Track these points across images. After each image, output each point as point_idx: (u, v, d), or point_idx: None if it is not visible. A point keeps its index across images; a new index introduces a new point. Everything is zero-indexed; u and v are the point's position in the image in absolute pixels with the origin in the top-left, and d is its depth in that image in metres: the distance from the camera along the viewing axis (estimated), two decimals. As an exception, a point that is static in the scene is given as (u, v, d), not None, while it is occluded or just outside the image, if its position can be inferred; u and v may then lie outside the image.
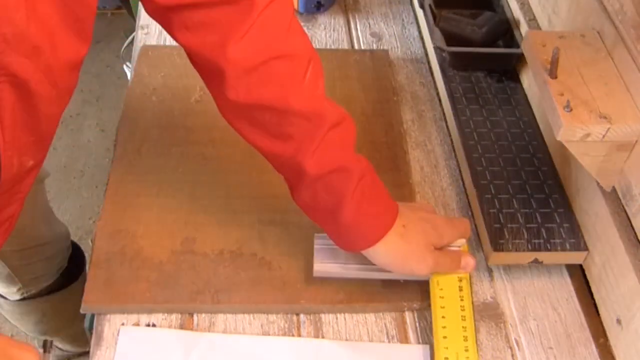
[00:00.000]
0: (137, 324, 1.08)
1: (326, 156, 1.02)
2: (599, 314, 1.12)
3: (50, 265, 1.74)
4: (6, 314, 1.85)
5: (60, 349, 2.17)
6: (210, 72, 1.03)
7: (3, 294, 1.75)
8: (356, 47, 1.59)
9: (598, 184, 1.11)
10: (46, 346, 0.96)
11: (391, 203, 1.07)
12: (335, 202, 1.03)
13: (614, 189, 1.08)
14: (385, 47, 1.58)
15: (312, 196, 1.05)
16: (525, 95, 1.39)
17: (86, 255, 2.04)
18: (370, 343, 1.08)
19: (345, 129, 1.05)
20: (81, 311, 1.09)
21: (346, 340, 1.08)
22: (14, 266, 1.61)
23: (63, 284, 1.80)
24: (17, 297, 1.74)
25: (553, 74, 1.05)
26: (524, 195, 1.21)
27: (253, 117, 1.03)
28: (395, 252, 1.06)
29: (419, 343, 1.08)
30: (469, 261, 1.10)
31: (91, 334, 1.08)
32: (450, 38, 1.42)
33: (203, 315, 1.10)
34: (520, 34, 1.41)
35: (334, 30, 1.62)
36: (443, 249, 1.10)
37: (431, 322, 1.09)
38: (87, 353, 1.64)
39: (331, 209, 1.04)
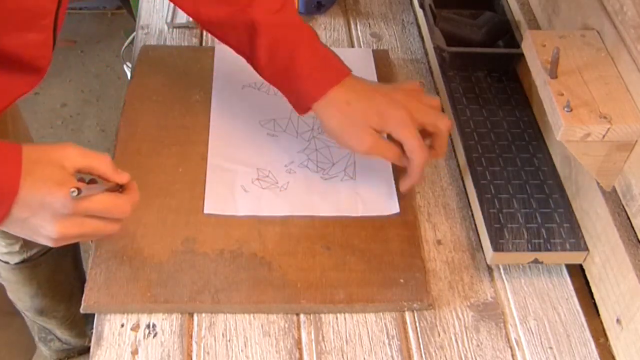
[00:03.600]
0: (138, 325, 1.08)
1: (273, 5, 1.19)
2: (599, 314, 1.12)
3: None
4: (4, 283, 1.85)
5: (59, 339, 2.18)
6: None
7: (4, 259, 1.77)
8: (356, 47, 1.59)
9: (598, 184, 1.11)
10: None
11: (342, 67, 1.20)
12: (289, 54, 1.18)
13: (614, 189, 1.09)
14: (385, 47, 1.58)
15: (269, 54, 1.19)
16: (526, 96, 1.39)
17: (86, 255, 2.04)
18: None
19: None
20: (81, 311, 1.09)
21: (346, 342, 1.08)
22: None
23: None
24: (17, 259, 1.76)
25: (553, 74, 1.05)
26: (524, 195, 1.22)
27: None
28: (337, 119, 1.17)
29: (419, 346, 1.08)
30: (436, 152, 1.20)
31: (91, 332, 1.09)
32: (450, 38, 1.42)
33: (203, 314, 1.10)
34: (520, 34, 1.41)
35: (334, 31, 1.62)
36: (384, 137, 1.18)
37: (432, 322, 1.09)
38: (88, 349, 1.64)
39: (286, 64, 1.18)
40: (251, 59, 1.23)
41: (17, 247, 1.72)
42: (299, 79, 1.18)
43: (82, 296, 1.09)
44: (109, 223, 1.03)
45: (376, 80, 1.46)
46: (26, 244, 1.72)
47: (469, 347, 1.08)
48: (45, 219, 0.96)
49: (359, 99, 1.17)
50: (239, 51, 1.25)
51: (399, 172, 1.28)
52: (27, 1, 1.02)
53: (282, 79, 1.21)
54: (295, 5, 1.25)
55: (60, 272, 1.90)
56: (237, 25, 1.20)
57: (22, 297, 1.89)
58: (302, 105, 1.20)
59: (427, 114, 1.19)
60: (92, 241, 1.16)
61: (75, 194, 0.94)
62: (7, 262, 1.78)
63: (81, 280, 2.02)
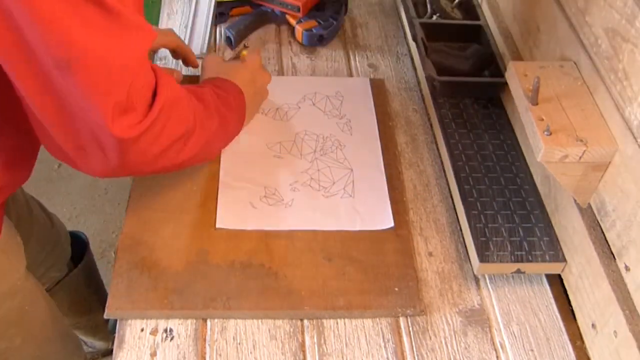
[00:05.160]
0: (156, 330, 1.08)
1: None
2: (575, 320, 1.12)
3: (57, 252, 1.74)
4: None
5: (85, 343, 2.17)
6: None
7: None
8: (355, 76, 1.59)
9: (575, 201, 1.11)
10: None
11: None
12: None
13: (589, 206, 1.09)
14: (381, 77, 1.59)
15: None
16: (509, 121, 1.39)
17: (109, 265, 2.04)
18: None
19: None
20: (104, 316, 1.09)
21: (345, 344, 1.08)
22: (27, 261, 1.62)
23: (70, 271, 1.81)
24: None
25: (534, 101, 1.05)
26: (508, 212, 1.22)
27: None
28: None
29: (412, 349, 1.08)
30: None
31: (114, 335, 1.09)
32: (441, 68, 1.42)
33: (216, 320, 1.10)
34: (504, 65, 1.42)
35: (334, 61, 1.62)
36: None
37: (424, 327, 1.10)
38: (111, 352, 1.63)
39: None
40: None
41: None
42: None
43: (101, 306, 1.09)
44: None
45: (373, 107, 1.47)
46: (42, 277, 1.71)
47: (458, 350, 1.08)
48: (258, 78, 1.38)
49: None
50: None
51: (393, 191, 1.28)
52: None
53: None
54: None
55: (77, 293, 1.87)
56: None
57: None
58: None
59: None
60: (114, 252, 1.17)
61: None
62: None
63: (98, 292, 2.00)
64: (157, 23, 1.76)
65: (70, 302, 1.84)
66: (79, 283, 1.85)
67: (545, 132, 1.01)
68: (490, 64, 1.46)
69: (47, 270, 1.69)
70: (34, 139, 1.03)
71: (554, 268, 1.16)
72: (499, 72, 1.41)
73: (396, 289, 1.13)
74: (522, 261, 1.15)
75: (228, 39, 1.63)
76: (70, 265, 1.79)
